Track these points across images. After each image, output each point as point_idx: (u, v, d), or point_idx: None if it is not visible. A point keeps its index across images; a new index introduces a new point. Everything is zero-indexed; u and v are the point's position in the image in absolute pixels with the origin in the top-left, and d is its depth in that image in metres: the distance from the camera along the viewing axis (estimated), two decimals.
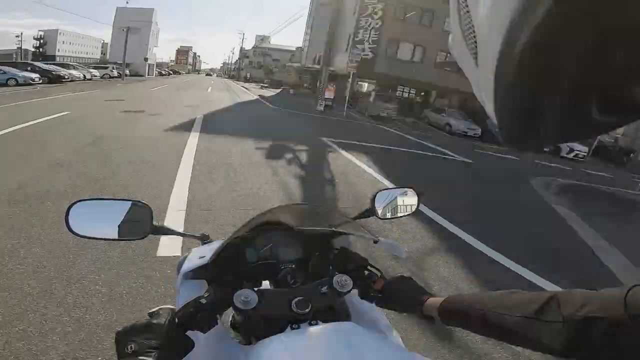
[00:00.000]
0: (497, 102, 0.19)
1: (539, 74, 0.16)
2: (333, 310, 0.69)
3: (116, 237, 0.75)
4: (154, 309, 0.55)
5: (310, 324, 0.59)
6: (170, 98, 13.24)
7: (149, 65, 45.58)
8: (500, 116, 0.20)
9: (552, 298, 0.49)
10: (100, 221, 0.75)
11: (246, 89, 30.44)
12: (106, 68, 28.28)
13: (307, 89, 32.64)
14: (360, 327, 0.57)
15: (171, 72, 66.72)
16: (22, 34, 64.25)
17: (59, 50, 74.03)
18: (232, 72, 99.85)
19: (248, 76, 62.42)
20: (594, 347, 0.42)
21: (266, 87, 36.78)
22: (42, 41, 75.54)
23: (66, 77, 18.23)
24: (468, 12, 0.20)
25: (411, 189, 0.97)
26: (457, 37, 0.23)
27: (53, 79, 17.05)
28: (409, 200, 0.96)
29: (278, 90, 30.96)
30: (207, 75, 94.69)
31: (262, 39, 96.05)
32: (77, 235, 0.72)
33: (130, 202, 0.77)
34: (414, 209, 0.96)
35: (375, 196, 0.91)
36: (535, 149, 0.22)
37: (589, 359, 0.44)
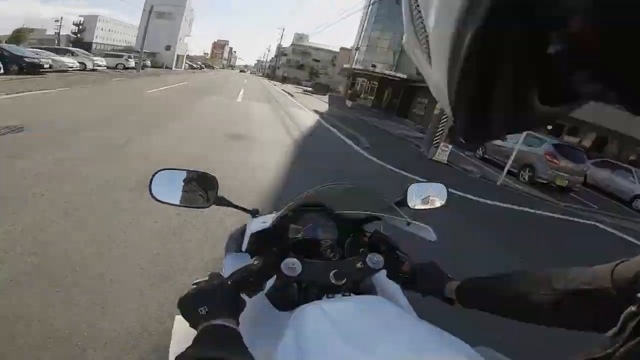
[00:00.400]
0: (451, 99, 0.20)
1: (486, 69, 0.17)
2: (364, 285, 0.78)
3: (187, 204, 0.84)
4: (202, 279, 0.59)
5: (344, 295, 0.66)
6: (168, 120, 6.58)
7: (178, 56, 40.72)
8: (455, 113, 0.21)
9: (550, 273, 0.54)
10: (176, 188, 0.82)
11: (288, 93, 24.51)
12: (121, 57, 22.62)
13: (366, 99, 26.14)
14: (387, 301, 0.64)
15: (204, 65, 62.55)
16: (61, 19, 62.50)
17: (96, 37, 72.21)
18: (266, 71, 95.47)
19: (284, 75, 57.05)
20: (585, 318, 0.48)
21: (310, 91, 30.67)
22: (80, 27, 74.20)
23: (47, 66, 12.80)
24: (419, 12, 0.21)
25: (442, 184, 1.00)
26: (411, 38, 0.23)
27: (24, 69, 11.64)
28: (438, 195, 1.00)
29: (327, 99, 24.62)
30: (240, 71, 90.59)
31: (300, 37, 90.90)
32: (157, 200, 0.79)
33: (202, 172, 0.84)
34: (443, 203, 1.00)
35: (407, 188, 0.95)
36: (488, 141, 0.23)
37: (578, 327, 0.49)
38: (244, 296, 0.60)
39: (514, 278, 0.61)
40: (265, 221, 0.76)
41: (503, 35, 0.16)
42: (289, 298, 0.74)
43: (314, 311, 0.57)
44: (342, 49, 63.39)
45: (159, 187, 0.80)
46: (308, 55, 67.49)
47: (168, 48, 37.90)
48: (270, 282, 0.71)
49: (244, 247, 0.78)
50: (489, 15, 0.15)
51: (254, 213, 0.92)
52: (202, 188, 0.84)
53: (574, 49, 0.14)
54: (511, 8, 0.15)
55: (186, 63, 45.62)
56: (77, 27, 74.53)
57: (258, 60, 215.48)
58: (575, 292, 0.49)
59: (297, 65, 66.79)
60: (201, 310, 0.53)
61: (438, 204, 1.00)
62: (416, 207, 0.96)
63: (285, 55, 69.06)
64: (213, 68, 76.72)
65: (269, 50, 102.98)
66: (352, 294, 0.69)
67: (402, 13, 0.24)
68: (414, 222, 0.80)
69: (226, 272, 0.67)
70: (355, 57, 28.79)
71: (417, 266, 0.76)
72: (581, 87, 0.16)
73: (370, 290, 0.80)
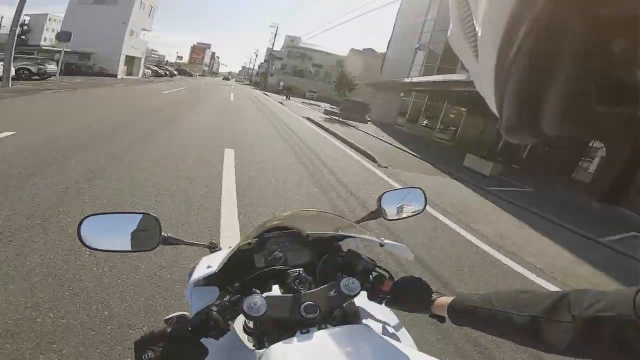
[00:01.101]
0: (498, 93, 0.19)
1: (539, 63, 0.16)
2: (343, 313, 0.70)
3: (128, 248, 0.77)
4: (169, 316, 0.58)
5: (320, 328, 0.60)
6: None
7: (132, 59, 27.81)
8: (502, 109, 0.20)
9: (564, 297, 0.49)
10: (112, 234, 0.76)
11: (315, 123, 12.79)
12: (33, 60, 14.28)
13: (446, 132, 13.64)
14: (369, 330, 0.59)
15: (176, 72, 49.68)
16: (1, 18, 48.89)
17: (45, 39, 58.67)
18: (254, 78, 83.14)
19: (288, 86, 44.91)
20: (602, 348, 0.42)
21: (337, 116, 18.18)
22: (25, 27, 60.51)
23: None
24: (467, 5, 0.20)
25: (418, 188, 0.96)
26: (457, 30, 0.23)
27: None
28: (415, 200, 0.95)
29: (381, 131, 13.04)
30: (224, 79, 77.90)
31: (292, 40, 79.04)
32: (90, 248, 0.73)
33: (141, 214, 0.78)
34: (421, 209, 0.95)
35: (381, 197, 0.90)
36: (535, 140, 0.21)
37: (600, 358, 0.43)
38: (208, 340, 0.57)
39: (514, 298, 0.56)
40: (222, 257, 0.72)
41: (562, 26, 0.14)
42: (261, 336, 0.69)
43: (284, 350, 0.54)
44: (353, 50, 51.86)
45: (91, 232, 0.74)
46: (307, 59, 55.58)
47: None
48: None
49: (206, 281, 0.75)
50: (549, 6, 0.14)
51: (211, 247, 0.89)
52: (142, 229, 0.78)
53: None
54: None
55: (146, 68, 32.59)
56: (20, 29, 61.06)
57: (243, 67, 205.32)
58: (593, 319, 0.44)
59: (294, 72, 54.68)
60: (144, 357, 0.51)
61: (415, 210, 0.95)
62: (393, 217, 0.92)
63: (280, 59, 56.96)
64: (190, 75, 63.84)
65: (256, 55, 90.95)
66: (329, 326, 0.63)
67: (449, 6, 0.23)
68: (387, 241, 0.78)
69: (193, 310, 0.66)
70: (384, 64, 18.17)
71: (400, 283, 0.73)
72: None
73: (352, 316, 0.71)
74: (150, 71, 33.08)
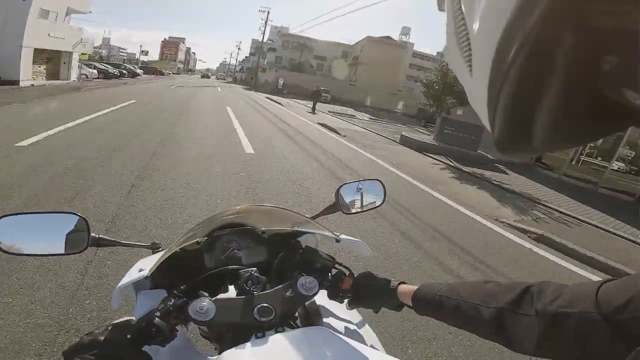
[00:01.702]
0: (491, 110, 0.20)
1: (532, 80, 0.16)
2: (305, 313, 0.68)
3: (54, 252, 0.70)
4: (114, 322, 0.54)
5: (278, 331, 0.57)
6: None
7: (51, 54, 16.76)
8: (494, 124, 0.20)
9: (527, 289, 0.48)
10: (33, 235, 0.70)
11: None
12: None
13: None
14: (328, 331, 0.56)
15: (139, 71, 38.52)
16: None
17: None
18: (237, 74, 71.88)
19: (281, 84, 34.35)
20: (563, 345, 0.42)
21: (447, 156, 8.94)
22: None
23: None
24: (463, 19, 0.20)
25: (378, 180, 0.94)
26: (452, 45, 0.23)
27: None
28: (374, 192, 0.92)
29: None
30: (203, 76, 66.17)
31: (279, 30, 68.12)
32: (6, 252, 0.66)
33: (66, 214, 0.72)
34: (380, 201, 0.93)
35: (339, 190, 0.88)
36: (528, 155, 0.22)
37: (561, 357, 0.43)
38: (154, 347, 0.54)
39: (480, 288, 0.55)
40: (165, 257, 0.66)
41: (554, 42, 0.15)
42: (217, 341, 0.66)
43: (236, 357, 0.51)
44: (369, 38, 41.91)
45: (7, 235, 0.67)
46: (307, 50, 45.48)
47: None
48: None
49: (153, 284, 0.72)
50: (541, 22, 0.14)
51: (153, 248, 0.84)
52: (70, 230, 0.72)
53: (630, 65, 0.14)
54: (566, 14, 0.14)
55: (90, 67, 21.78)
56: None
57: (221, 63, 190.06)
58: (556, 315, 0.43)
59: (291, 65, 44.40)
60: None
61: (375, 203, 0.93)
62: (351, 211, 0.90)
63: (273, 50, 46.49)
64: (162, 74, 52.43)
65: (239, 48, 79.42)
66: (287, 328, 0.60)
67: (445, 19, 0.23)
68: (344, 237, 0.76)
69: (137, 314, 0.61)
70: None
71: (360, 278, 0.70)
72: (636, 101, 0.15)
73: (313, 317, 0.68)
74: (95, 71, 22.28)
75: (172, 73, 65.16)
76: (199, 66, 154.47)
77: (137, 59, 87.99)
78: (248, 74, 58.87)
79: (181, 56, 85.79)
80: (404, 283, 0.67)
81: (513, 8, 0.15)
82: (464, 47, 0.21)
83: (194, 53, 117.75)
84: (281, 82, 35.51)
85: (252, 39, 67.92)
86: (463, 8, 0.20)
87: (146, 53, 69.45)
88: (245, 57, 73.09)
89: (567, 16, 0.14)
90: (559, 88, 0.16)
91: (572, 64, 0.15)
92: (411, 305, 0.63)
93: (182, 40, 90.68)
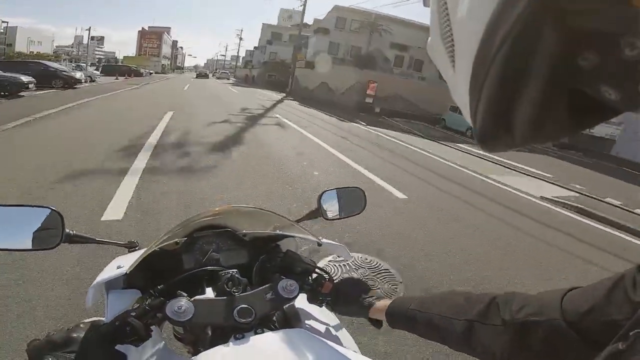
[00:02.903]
0: (473, 104, 0.20)
1: (512, 75, 0.17)
2: (283, 316, 0.69)
3: (25, 247, 0.68)
4: (81, 322, 0.51)
5: (257, 333, 0.57)
6: None
7: None
8: (476, 118, 0.21)
9: (492, 301, 0.49)
10: (6, 229, 0.67)
11: None
12: None
13: None
14: (308, 334, 0.57)
15: (95, 74, 20.86)
16: None
17: None
18: (237, 71, 53.94)
19: (371, 97, 17.26)
20: (532, 353, 0.43)
21: None
22: None
23: None
24: (447, 15, 0.20)
25: (359, 188, 0.96)
26: (436, 40, 0.23)
27: None
28: (355, 200, 0.95)
29: None
30: (199, 76, 47.22)
31: (289, 16, 50.06)
32: None
33: (40, 208, 0.70)
34: (361, 209, 0.95)
35: (321, 196, 0.89)
36: (508, 149, 0.22)
37: None
38: (127, 347, 0.52)
39: (450, 301, 0.56)
40: (145, 255, 0.65)
41: (534, 40, 0.15)
42: (193, 343, 0.65)
43: (214, 358, 0.50)
44: None
45: None
46: (386, 34, 28.07)
47: None
48: None
49: (126, 284, 0.70)
50: (521, 20, 0.15)
51: (130, 246, 0.82)
52: (43, 225, 0.69)
53: (606, 63, 0.14)
54: (545, 13, 0.14)
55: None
56: None
57: (210, 60, 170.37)
58: (523, 324, 0.44)
59: (355, 58, 27.04)
60: None
61: (356, 210, 0.94)
62: (332, 217, 0.91)
63: (325, 33, 28.59)
64: (140, 75, 34.49)
65: (241, 38, 61.17)
66: (266, 330, 0.59)
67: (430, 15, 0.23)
68: (325, 240, 0.77)
69: (109, 316, 0.59)
70: None
71: (340, 284, 0.70)
72: (612, 97, 0.15)
73: (291, 320, 0.69)
74: None
75: (155, 72, 46.64)
76: (189, 62, 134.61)
77: (115, 58, 68.60)
78: (265, 71, 41.14)
79: (166, 50, 66.37)
80: (382, 298, 0.67)
81: (495, 6, 0.16)
82: (447, 43, 0.21)
83: (181, 48, 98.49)
84: (372, 92, 18.00)
85: (263, 24, 49.65)
86: (447, 5, 0.20)
87: (96, 44, 50.18)
88: (255, 48, 55.02)
89: (546, 15, 0.14)
90: (538, 84, 0.16)
91: (551, 60, 0.15)
92: (384, 321, 0.64)
93: (167, 30, 70.51)
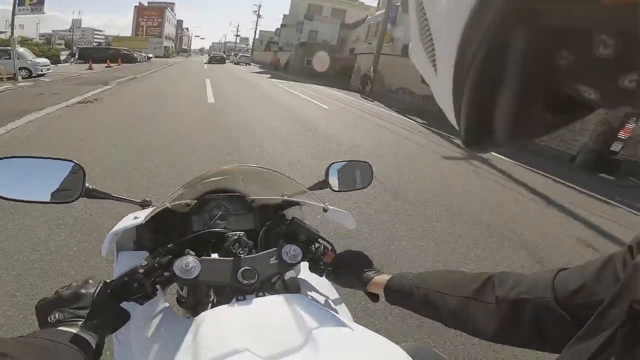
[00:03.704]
0: (456, 106, 0.20)
1: (492, 76, 0.17)
2: (283, 283, 0.70)
3: (46, 199, 0.69)
4: (82, 279, 0.52)
5: (257, 296, 0.58)
6: None
7: None
8: (460, 120, 0.21)
9: (489, 279, 0.50)
10: (29, 181, 0.69)
11: None
12: None
13: None
14: (307, 300, 0.57)
15: (44, 66, 10.53)
16: None
17: None
18: (275, 58, 42.80)
19: None
20: (521, 331, 0.44)
21: None
22: None
23: None
24: (426, 21, 0.21)
25: (365, 162, 0.96)
26: (417, 46, 0.23)
27: None
28: (362, 173, 0.95)
29: None
30: (213, 60, 35.74)
31: None
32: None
33: (63, 161, 0.71)
34: (367, 183, 0.95)
35: (329, 168, 0.90)
36: (493, 150, 0.22)
37: (519, 342, 0.45)
38: (132, 305, 0.54)
39: (447, 278, 0.57)
40: (160, 209, 0.66)
41: (509, 40, 0.15)
42: (195, 304, 0.67)
43: (217, 316, 0.51)
44: None
45: (2, 177, 0.66)
46: None
47: None
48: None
49: (135, 244, 0.73)
50: (497, 21, 0.15)
51: (144, 204, 0.84)
52: (64, 179, 0.71)
53: (582, 62, 0.14)
54: (519, 13, 0.15)
55: None
56: None
57: (215, 43, 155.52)
58: (514, 301, 0.45)
59: None
60: (51, 319, 0.45)
61: (362, 184, 0.95)
62: (339, 189, 0.91)
63: None
64: (132, 60, 23.84)
65: (259, 15, 49.82)
66: (267, 294, 0.60)
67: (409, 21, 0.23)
68: (331, 207, 0.76)
69: (116, 274, 0.59)
70: None
71: (342, 256, 0.72)
72: (589, 95, 0.16)
73: (291, 286, 0.71)
74: None
75: (154, 56, 35.61)
76: (195, 45, 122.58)
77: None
78: (302, 56, 29.90)
79: (170, 30, 54.76)
80: (381, 273, 0.67)
81: (470, 9, 0.16)
82: (427, 48, 0.21)
83: (187, 29, 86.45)
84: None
85: None
86: (425, 10, 0.20)
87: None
88: (282, 25, 43.42)
89: (521, 15, 0.15)
90: (516, 83, 0.16)
91: (527, 60, 0.15)
92: (382, 295, 0.64)
93: (170, 6, 58.95)
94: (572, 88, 0.16)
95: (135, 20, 48.40)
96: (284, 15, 48.03)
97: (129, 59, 25.23)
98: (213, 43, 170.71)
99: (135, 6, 50.48)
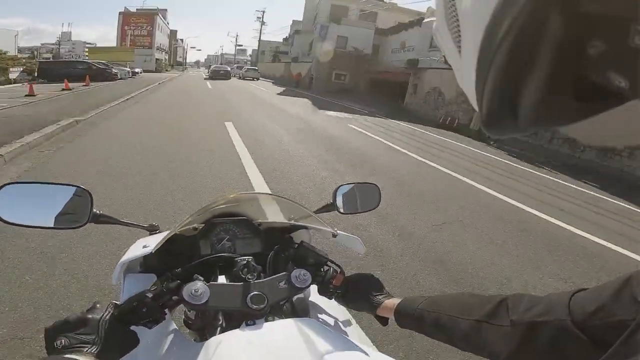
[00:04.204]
0: (479, 90, 0.20)
1: (519, 61, 0.17)
2: (292, 306, 0.69)
3: (52, 225, 0.69)
4: (91, 304, 0.53)
5: (267, 320, 0.58)
6: None
7: None
8: (482, 103, 0.20)
9: (502, 301, 0.49)
10: (34, 206, 0.68)
11: None
12: None
13: None
14: (317, 323, 0.57)
15: None
16: None
17: None
18: (291, 72, 36.51)
19: None
20: (539, 353, 0.43)
21: None
22: None
23: None
24: (453, 1, 0.20)
25: (373, 184, 0.95)
26: (442, 26, 0.23)
27: None
28: (370, 195, 0.94)
29: None
30: (215, 75, 28.24)
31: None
32: (6, 222, 0.64)
33: (69, 187, 0.71)
34: (375, 205, 0.94)
35: (336, 190, 0.89)
36: (513, 134, 0.22)
37: None
38: (141, 329, 0.53)
39: (459, 301, 0.56)
40: (160, 239, 0.66)
41: (541, 26, 0.15)
42: (203, 327, 0.67)
43: (227, 342, 0.51)
44: None
45: (8, 204, 0.64)
46: None
47: None
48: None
49: (143, 268, 0.73)
50: (529, 5, 0.15)
51: (152, 229, 0.83)
52: (70, 204, 0.70)
53: (615, 50, 0.14)
54: None
55: None
56: None
57: (211, 55, 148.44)
58: (530, 324, 0.44)
59: None
60: (57, 344, 0.45)
61: (370, 206, 0.93)
62: (347, 212, 0.90)
63: None
64: (109, 78, 17.15)
65: (263, 22, 44.19)
66: (276, 318, 0.60)
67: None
68: (340, 232, 0.76)
69: (123, 298, 0.61)
70: None
71: (352, 279, 0.71)
72: (619, 84, 0.15)
73: (301, 310, 0.70)
74: None
75: (141, 71, 28.73)
76: (190, 57, 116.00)
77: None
78: (329, 69, 23.56)
79: (162, 39, 47.00)
80: (391, 297, 0.67)
81: None
82: (453, 29, 0.21)
83: (181, 40, 79.26)
84: None
85: None
86: None
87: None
88: (295, 31, 37.20)
89: (553, 0, 0.14)
90: (545, 69, 0.16)
91: (559, 46, 0.15)
92: (393, 319, 0.64)
93: (162, 12, 50.49)
94: (603, 77, 0.15)
95: (120, 29, 40.76)
96: (294, 21, 41.82)
97: (104, 76, 18.49)
98: (208, 55, 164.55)
99: (120, 12, 42.36)
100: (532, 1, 0.14)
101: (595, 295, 0.40)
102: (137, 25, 40.66)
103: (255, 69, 34.53)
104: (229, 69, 31.31)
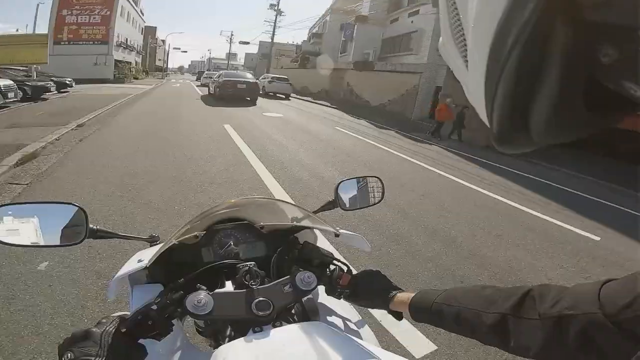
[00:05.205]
0: (488, 104, 0.20)
1: (528, 73, 0.16)
2: (301, 309, 0.68)
3: (49, 243, 0.69)
4: (105, 317, 0.53)
5: (275, 326, 0.57)
6: None
7: None
8: (492, 117, 0.20)
9: (528, 293, 0.48)
10: (30, 226, 0.68)
11: None
12: None
13: None
14: (326, 327, 0.56)
15: None
16: None
17: None
18: (272, 77, 20.56)
19: None
20: (569, 349, 0.41)
21: None
22: None
23: None
24: (457, 15, 0.20)
25: (376, 177, 0.92)
26: (448, 40, 0.23)
27: None
28: (374, 190, 0.91)
29: None
30: (223, 91, 13.35)
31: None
32: (1, 242, 0.64)
33: (63, 205, 0.71)
34: (379, 199, 0.91)
35: (338, 186, 0.86)
36: (526, 149, 0.21)
37: (565, 359, 0.43)
38: (150, 341, 0.53)
39: (479, 294, 0.54)
40: (165, 248, 0.65)
41: (548, 36, 0.15)
42: (214, 336, 0.66)
43: (234, 351, 0.51)
44: None
45: (4, 224, 0.66)
46: None
47: None
48: None
49: (150, 278, 0.73)
50: (535, 16, 0.14)
51: (152, 240, 0.82)
52: (66, 221, 0.70)
53: (625, 59, 0.13)
54: (558, 8, 0.14)
55: None
56: None
57: (195, 61, 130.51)
58: (559, 318, 0.43)
59: None
60: (66, 357, 0.46)
61: (374, 200, 0.91)
62: (350, 208, 0.88)
63: None
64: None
65: (278, 13, 29.43)
66: (284, 323, 0.59)
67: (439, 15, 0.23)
68: (342, 231, 0.75)
69: (132, 309, 0.61)
70: None
71: (359, 276, 0.70)
72: (635, 92, 0.15)
73: (310, 313, 0.67)
74: None
75: (73, 83, 14.06)
76: (174, 62, 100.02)
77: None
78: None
79: (130, 33, 31.11)
80: (402, 291, 0.66)
81: (506, 4, 0.15)
82: (459, 43, 0.21)
83: (162, 41, 64.01)
84: None
85: None
86: (457, 4, 0.20)
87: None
88: (313, 33, 23.03)
89: (559, 10, 0.14)
90: (555, 80, 0.15)
91: (568, 56, 0.15)
92: (407, 313, 0.63)
93: (134, 0, 33.83)
94: (617, 85, 0.15)
95: (55, 13, 23.98)
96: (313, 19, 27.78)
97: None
98: (192, 61, 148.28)
99: None
100: (536, 12, 0.14)
101: (628, 287, 0.38)
102: (83, 9, 25.21)
103: (285, 80, 19.88)
104: (254, 78, 15.06)
